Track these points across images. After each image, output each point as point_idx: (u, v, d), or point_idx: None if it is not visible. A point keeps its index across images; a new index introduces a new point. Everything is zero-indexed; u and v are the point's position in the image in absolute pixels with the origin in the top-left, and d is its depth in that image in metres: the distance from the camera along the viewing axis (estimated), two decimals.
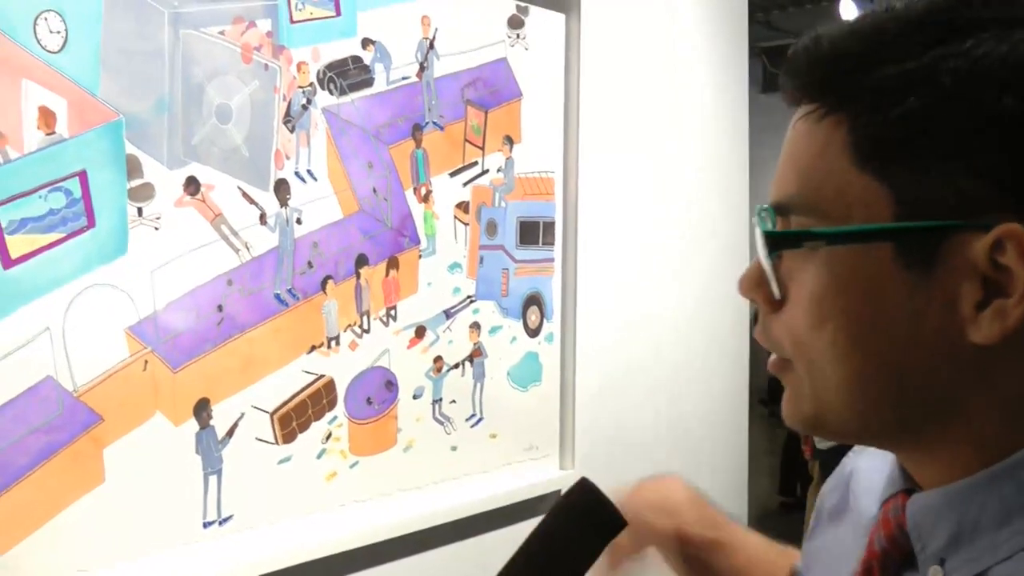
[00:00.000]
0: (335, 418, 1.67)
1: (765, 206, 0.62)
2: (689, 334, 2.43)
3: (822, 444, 3.72)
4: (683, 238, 2.41)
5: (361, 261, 1.69)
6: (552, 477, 2.02)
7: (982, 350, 0.55)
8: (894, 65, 0.55)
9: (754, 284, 0.62)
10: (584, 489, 0.75)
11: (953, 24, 0.54)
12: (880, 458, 0.74)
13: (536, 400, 2.01)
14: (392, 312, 1.74)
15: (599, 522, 0.75)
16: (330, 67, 1.63)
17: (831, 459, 3.77)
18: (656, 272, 2.32)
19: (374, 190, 1.70)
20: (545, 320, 2.02)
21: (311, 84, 1.60)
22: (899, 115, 0.54)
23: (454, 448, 1.86)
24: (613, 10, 2.16)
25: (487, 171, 1.88)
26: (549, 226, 2.02)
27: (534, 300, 1.99)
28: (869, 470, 0.77)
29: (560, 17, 2.00)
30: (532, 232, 1.98)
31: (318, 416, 1.65)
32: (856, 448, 0.82)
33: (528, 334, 1.99)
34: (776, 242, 0.60)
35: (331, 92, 1.63)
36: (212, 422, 1.48)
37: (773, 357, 0.64)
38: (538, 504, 2.01)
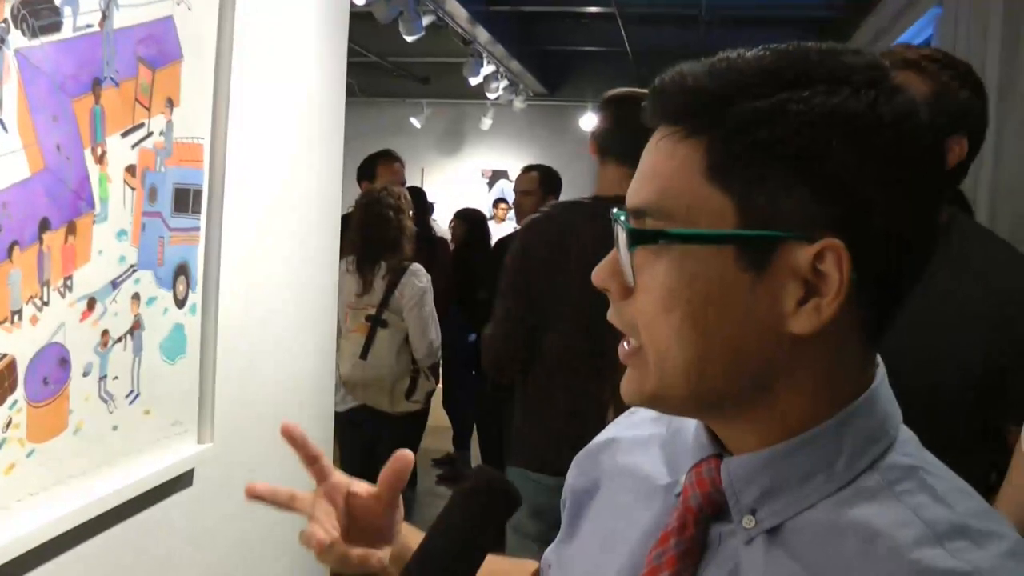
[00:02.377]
0: (15, 402, 1.48)
1: (620, 211, 0.74)
2: (319, 305, 2.49)
3: (341, 407, 3.89)
4: (297, 212, 2.45)
5: (44, 225, 1.51)
6: (191, 453, 1.97)
7: (797, 340, 0.69)
8: (747, 102, 0.68)
9: (609, 274, 0.74)
10: (477, 476, 0.80)
11: (796, 75, 0.68)
12: (642, 437, 0.91)
13: (182, 374, 1.94)
14: (69, 282, 1.58)
15: (490, 506, 0.79)
16: (24, 3, 1.43)
17: (347, 421, 3.97)
18: (289, 248, 2.34)
19: (58, 147, 1.53)
20: (190, 291, 1.95)
21: (5, 20, 1.40)
22: (749, 143, 0.67)
23: (115, 427, 1.73)
24: None
25: (151, 134, 1.77)
26: (198, 194, 1.95)
27: (183, 270, 1.92)
28: (633, 449, 0.91)
29: None
30: (184, 199, 1.90)
31: (0, 401, 1.45)
32: (622, 431, 0.94)
33: (177, 305, 1.91)
34: (635, 238, 0.71)
35: (23, 33, 1.44)
36: None
37: (624, 348, 0.75)
38: (175, 483, 1.95)
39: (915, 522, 0.67)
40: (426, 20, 5.71)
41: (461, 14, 6.24)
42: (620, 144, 2.38)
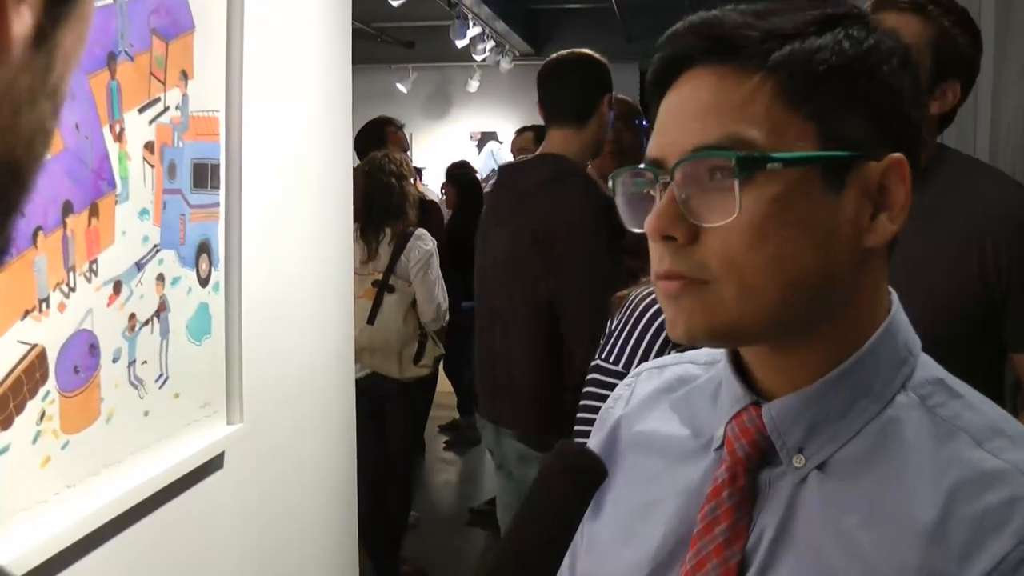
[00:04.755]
0: (48, 394, 1.42)
1: (656, 161, 0.75)
2: (337, 279, 2.43)
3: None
4: (314, 184, 2.39)
5: (67, 208, 1.45)
6: (222, 435, 1.92)
7: (867, 255, 0.74)
8: (805, 39, 0.73)
9: (672, 221, 0.73)
10: (561, 452, 0.78)
11: (828, 18, 0.74)
12: (658, 405, 0.91)
13: (209, 354, 1.89)
14: (94, 266, 1.52)
15: (578, 479, 0.77)
16: None
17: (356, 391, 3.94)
18: (309, 222, 2.29)
19: (76, 126, 1.46)
20: (213, 269, 1.89)
21: None
22: (822, 72, 0.72)
23: (146, 413, 1.68)
24: None
25: (167, 108, 1.71)
26: (216, 168, 1.89)
27: (204, 248, 1.86)
28: (645, 417, 0.91)
29: None
30: (203, 175, 1.84)
31: (32, 393, 1.39)
32: (621, 407, 0.95)
33: (200, 283, 1.85)
34: (748, 164, 0.71)
35: None
36: None
37: (672, 283, 0.74)
38: (207, 467, 1.91)
39: (954, 431, 0.72)
40: None
41: None
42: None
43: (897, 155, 0.73)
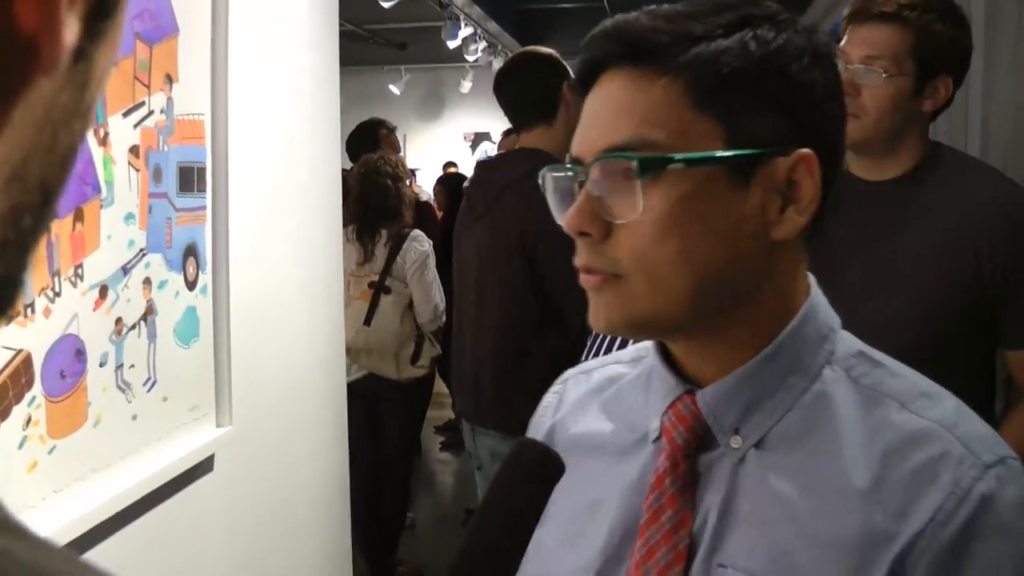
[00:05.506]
0: (34, 399, 1.42)
1: (577, 159, 0.79)
2: (327, 281, 2.44)
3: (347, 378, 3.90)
4: (313, 185, 2.39)
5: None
6: (211, 437, 1.93)
7: (777, 247, 0.77)
8: (715, 40, 0.76)
9: (588, 219, 0.77)
10: (519, 447, 0.78)
11: (739, 17, 0.77)
12: (589, 407, 0.94)
13: (197, 357, 1.89)
14: (79, 271, 1.52)
15: (538, 473, 0.77)
16: None
17: (353, 393, 3.95)
18: (292, 220, 2.29)
19: None
20: (200, 272, 1.90)
21: None
22: (727, 73, 0.75)
23: (135, 417, 1.68)
24: None
25: (152, 112, 1.71)
26: (202, 172, 1.89)
27: (192, 251, 1.86)
28: (579, 419, 0.94)
29: None
30: (189, 178, 1.84)
31: (18, 399, 1.39)
32: (551, 414, 0.97)
33: (188, 287, 1.85)
34: (647, 166, 0.74)
35: None
36: None
37: (591, 276, 0.78)
38: (197, 470, 1.91)
39: (880, 397, 0.77)
40: None
41: None
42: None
43: (805, 151, 0.76)
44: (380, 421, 4.13)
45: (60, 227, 1.47)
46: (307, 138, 2.45)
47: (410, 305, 3.99)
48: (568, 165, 0.80)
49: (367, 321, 3.94)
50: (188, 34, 1.81)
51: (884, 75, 1.72)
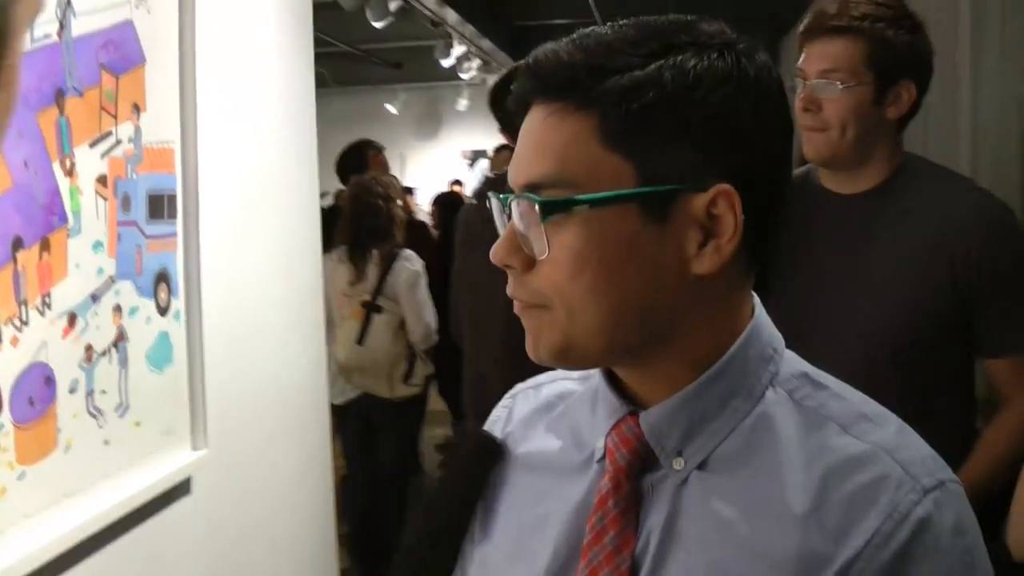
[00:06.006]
0: (2, 426, 1.45)
1: (506, 194, 0.79)
2: (306, 302, 2.46)
3: (339, 399, 3.91)
4: (276, 211, 2.42)
5: (17, 244, 1.48)
6: (186, 461, 1.95)
7: (701, 280, 0.76)
8: (628, 72, 0.74)
9: (508, 251, 0.79)
10: (464, 436, 0.86)
11: (662, 45, 0.75)
12: (537, 424, 0.95)
13: (171, 382, 1.91)
14: (47, 299, 1.55)
15: (480, 457, 0.88)
16: None
17: (348, 413, 3.98)
18: (266, 246, 2.32)
19: (24, 163, 1.49)
20: (173, 298, 1.92)
21: None
22: (637, 109, 0.73)
23: (107, 442, 1.71)
24: None
25: (120, 142, 1.74)
26: (172, 199, 1.92)
27: (163, 277, 1.89)
28: (527, 438, 0.94)
29: None
30: (159, 205, 1.87)
31: None
32: (500, 428, 0.98)
33: (160, 312, 1.88)
34: (550, 209, 0.75)
35: None
36: None
37: (519, 304, 0.80)
38: (173, 493, 1.93)
39: (822, 420, 0.77)
40: (393, 4, 5.65)
41: None
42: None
43: (723, 186, 0.74)
44: (375, 439, 4.15)
45: (27, 257, 1.50)
46: (282, 161, 2.48)
47: (402, 324, 4.01)
48: (500, 196, 0.80)
49: (359, 340, 3.96)
50: (155, 63, 1.84)
51: (841, 86, 1.74)
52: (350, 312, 3.97)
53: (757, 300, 0.84)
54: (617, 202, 0.74)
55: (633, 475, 0.80)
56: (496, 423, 0.99)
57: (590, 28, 0.78)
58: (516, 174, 0.78)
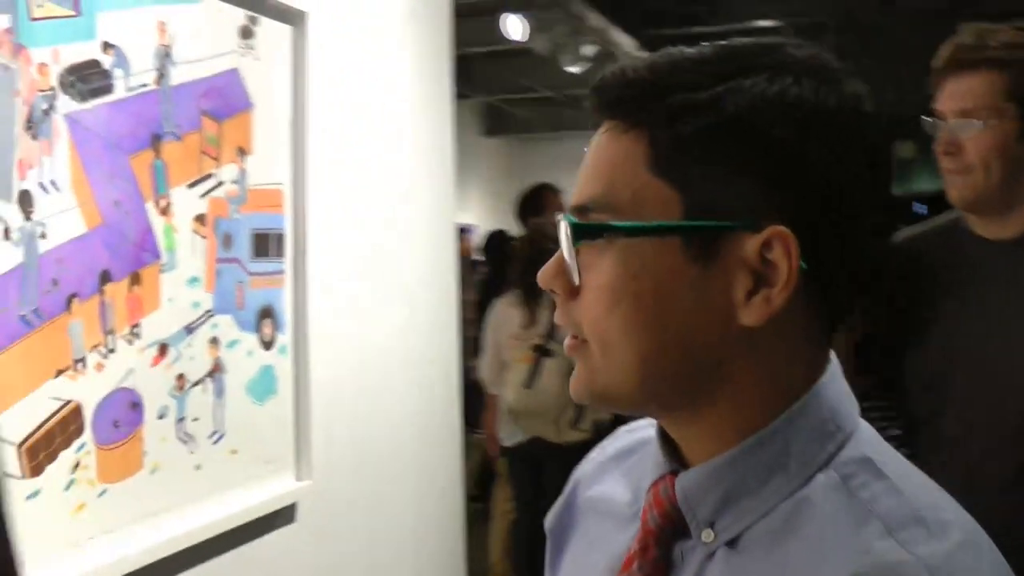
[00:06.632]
0: (83, 445, 1.56)
1: (566, 214, 0.73)
2: (406, 341, 2.52)
3: (509, 441, 3.98)
4: (400, 252, 2.50)
5: (105, 277, 1.60)
6: (289, 489, 2.02)
7: (749, 332, 0.68)
8: (687, 93, 0.67)
9: (553, 275, 0.74)
10: None
11: (737, 67, 0.68)
12: (613, 468, 0.88)
13: (273, 413, 2.00)
14: (136, 329, 1.66)
15: None
16: (71, 70, 1.53)
17: (517, 457, 4.04)
18: (380, 283, 2.39)
19: (116, 202, 1.61)
20: (278, 333, 2.01)
21: (52, 88, 1.49)
22: (690, 133, 0.67)
23: (198, 467, 1.80)
24: (338, 22, 2.21)
25: (222, 183, 1.85)
26: (280, 238, 2.01)
27: (268, 313, 1.98)
28: (598, 480, 0.88)
29: (287, 29, 2.01)
30: (264, 244, 1.97)
31: (66, 444, 1.53)
32: (584, 468, 0.93)
33: (263, 347, 1.97)
34: (580, 233, 0.70)
35: (72, 97, 1.53)
36: None
37: (568, 339, 0.74)
38: (275, 518, 2.01)
39: (868, 515, 0.66)
40: (590, 49, 5.70)
41: (628, 43, 6.19)
42: None
43: (778, 228, 0.66)
44: (543, 483, 4.13)
45: (115, 290, 1.61)
46: (410, 204, 2.55)
47: (572, 369, 3.99)
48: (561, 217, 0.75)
49: (528, 384, 3.98)
50: (264, 108, 1.95)
51: (983, 124, 1.61)
52: (520, 356, 3.99)
53: (834, 366, 0.73)
54: (657, 234, 0.68)
55: (664, 540, 0.74)
56: (587, 461, 0.95)
57: (676, 48, 0.72)
58: (574, 194, 0.74)
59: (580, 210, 0.71)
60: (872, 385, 1.86)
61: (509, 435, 3.94)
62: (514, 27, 5.55)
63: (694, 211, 0.67)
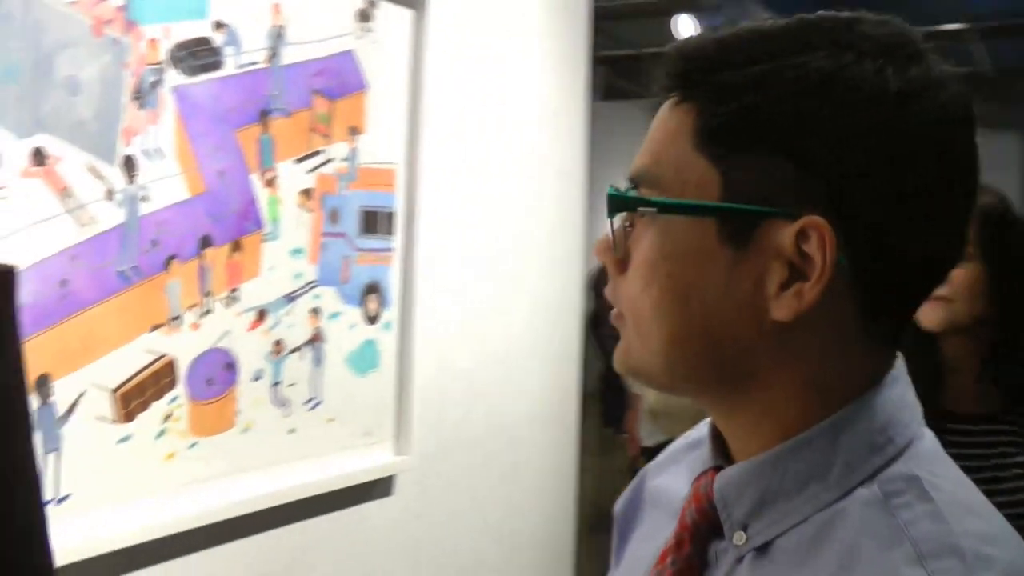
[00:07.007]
0: (176, 398, 1.66)
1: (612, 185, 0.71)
2: (523, 330, 2.54)
3: (649, 441, 3.93)
4: (520, 236, 2.51)
5: (206, 242, 1.69)
6: (388, 462, 2.08)
7: (781, 326, 0.64)
8: (739, 68, 0.64)
9: (604, 248, 0.72)
10: None
11: (799, 42, 0.64)
12: (681, 459, 0.86)
13: (373, 386, 2.06)
14: (235, 294, 1.75)
15: None
16: (181, 47, 1.63)
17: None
18: (493, 268, 2.41)
19: (220, 173, 1.71)
20: (383, 308, 2.07)
21: (161, 62, 1.60)
22: (735, 109, 0.63)
23: (292, 431, 1.88)
24: (461, 8, 2.25)
25: (332, 160, 1.92)
26: (390, 216, 2.07)
27: (374, 288, 2.04)
28: (663, 470, 0.87)
29: (408, 13, 2.06)
30: (373, 221, 2.03)
31: (159, 396, 1.64)
32: (658, 457, 0.91)
33: (367, 321, 2.03)
34: (616, 205, 0.68)
35: (181, 72, 1.63)
36: (52, 399, 1.45)
37: (615, 311, 0.72)
38: (372, 487, 2.07)
39: (902, 539, 0.61)
40: None
41: None
42: None
43: (814, 218, 0.62)
44: None
45: (215, 255, 1.71)
46: (533, 187, 2.55)
47: None
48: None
49: None
50: (380, 89, 2.01)
51: None
52: None
53: (897, 372, 0.69)
54: (692, 213, 0.65)
55: (700, 537, 0.72)
56: (665, 451, 0.94)
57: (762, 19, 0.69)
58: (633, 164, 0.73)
59: (632, 181, 0.70)
60: (999, 404, 1.70)
61: (649, 435, 3.89)
62: (685, 27, 5.47)
63: (731, 193, 0.64)
